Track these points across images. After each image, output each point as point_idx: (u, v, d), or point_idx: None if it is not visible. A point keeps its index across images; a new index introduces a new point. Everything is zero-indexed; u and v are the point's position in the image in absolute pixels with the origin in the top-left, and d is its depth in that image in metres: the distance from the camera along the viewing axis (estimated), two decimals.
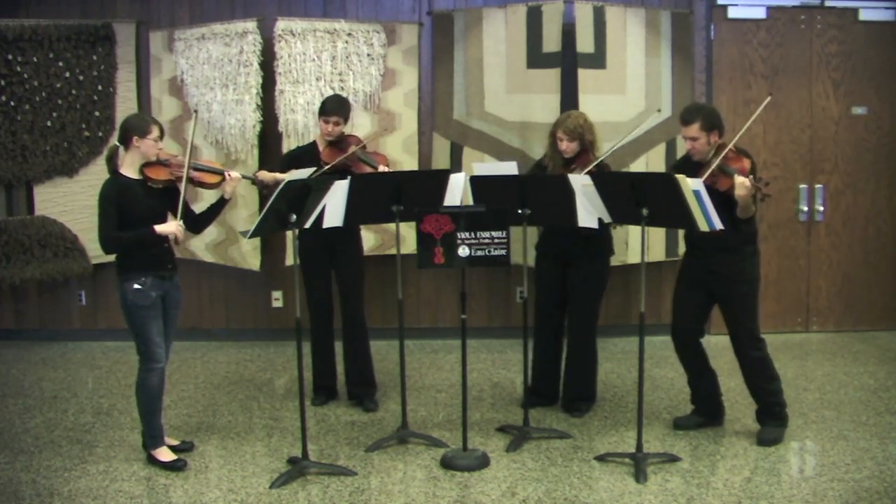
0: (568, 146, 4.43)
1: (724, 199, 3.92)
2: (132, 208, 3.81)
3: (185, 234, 3.93)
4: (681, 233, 6.04)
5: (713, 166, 3.95)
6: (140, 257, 3.85)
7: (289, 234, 3.96)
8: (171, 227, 3.85)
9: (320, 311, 4.81)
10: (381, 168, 4.63)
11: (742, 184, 3.81)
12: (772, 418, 4.24)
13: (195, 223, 4.14)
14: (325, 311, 4.82)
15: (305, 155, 4.69)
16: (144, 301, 3.84)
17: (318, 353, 4.87)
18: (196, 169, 4.05)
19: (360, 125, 5.83)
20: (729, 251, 4.10)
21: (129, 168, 3.89)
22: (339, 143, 4.68)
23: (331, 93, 5.52)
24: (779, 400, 4.23)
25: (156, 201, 3.91)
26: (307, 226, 4.03)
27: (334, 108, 4.64)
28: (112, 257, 3.95)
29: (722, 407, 4.44)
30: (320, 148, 4.73)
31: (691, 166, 4.10)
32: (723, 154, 3.99)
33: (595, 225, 4.32)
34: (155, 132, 3.88)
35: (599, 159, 4.39)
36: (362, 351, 4.83)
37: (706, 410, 4.42)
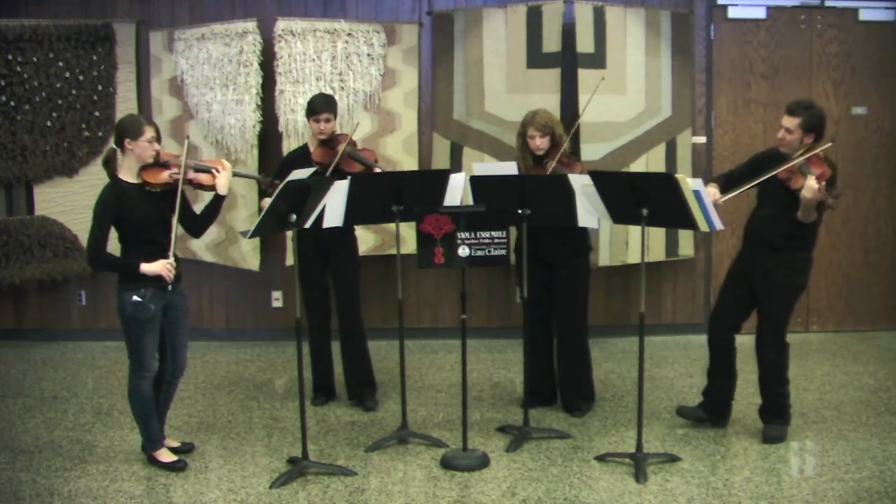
0: (541, 142, 4.43)
1: (794, 198, 3.91)
2: (130, 214, 3.73)
3: (172, 274, 3.76)
4: (686, 233, 6.05)
5: (794, 162, 3.95)
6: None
7: (289, 234, 3.95)
8: (157, 266, 3.72)
9: (317, 312, 4.81)
10: (374, 164, 4.62)
11: (810, 186, 3.77)
12: (776, 416, 4.24)
13: (194, 226, 4.04)
14: (322, 311, 4.82)
15: (299, 158, 4.66)
16: (144, 315, 3.79)
17: (316, 354, 4.87)
18: (197, 170, 3.96)
19: (360, 125, 5.81)
20: (782, 253, 4.08)
21: (128, 172, 3.80)
22: (330, 142, 4.65)
23: (331, 93, 5.52)
24: (785, 401, 4.24)
25: (154, 206, 3.80)
26: (307, 226, 4.02)
27: (322, 105, 4.61)
28: None
29: (729, 410, 4.43)
30: (311, 149, 4.70)
31: (776, 158, 4.11)
32: (809, 154, 3.96)
33: (595, 225, 4.33)
34: (149, 133, 3.75)
35: (563, 149, 4.43)
36: (361, 351, 4.83)
37: (713, 409, 4.41)
